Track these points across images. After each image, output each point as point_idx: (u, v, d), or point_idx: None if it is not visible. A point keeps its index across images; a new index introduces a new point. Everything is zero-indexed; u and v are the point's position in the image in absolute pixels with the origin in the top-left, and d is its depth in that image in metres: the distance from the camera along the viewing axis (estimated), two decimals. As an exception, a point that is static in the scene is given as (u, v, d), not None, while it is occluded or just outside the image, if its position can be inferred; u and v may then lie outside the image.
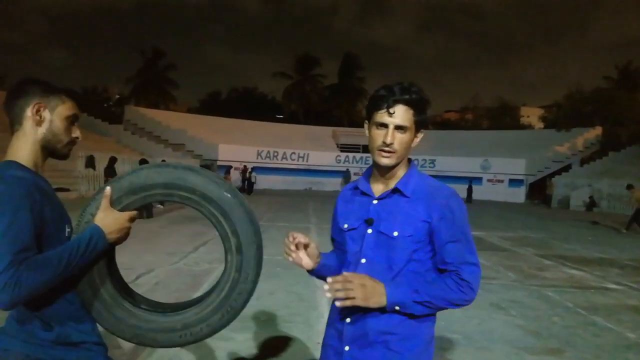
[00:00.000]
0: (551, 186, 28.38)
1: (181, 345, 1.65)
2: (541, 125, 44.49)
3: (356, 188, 1.66)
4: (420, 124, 1.51)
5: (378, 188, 1.59)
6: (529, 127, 49.14)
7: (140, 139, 31.50)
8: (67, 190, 17.14)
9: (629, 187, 15.11)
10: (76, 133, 1.54)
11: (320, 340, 4.16)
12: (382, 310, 1.45)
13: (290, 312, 4.97)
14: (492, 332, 4.56)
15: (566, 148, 33.75)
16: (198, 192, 1.53)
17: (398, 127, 1.47)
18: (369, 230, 1.54)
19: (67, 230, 1.50)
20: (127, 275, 5.94)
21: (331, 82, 50.42)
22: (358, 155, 35.55)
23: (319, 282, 5.79)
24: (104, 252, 1.48)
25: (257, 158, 33.14)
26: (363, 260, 1.54)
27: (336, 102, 50.00)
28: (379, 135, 1.50)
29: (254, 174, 29.11)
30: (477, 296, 1.50)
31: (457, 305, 1.48)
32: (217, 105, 51.95)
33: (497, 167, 31.96)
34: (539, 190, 31.10)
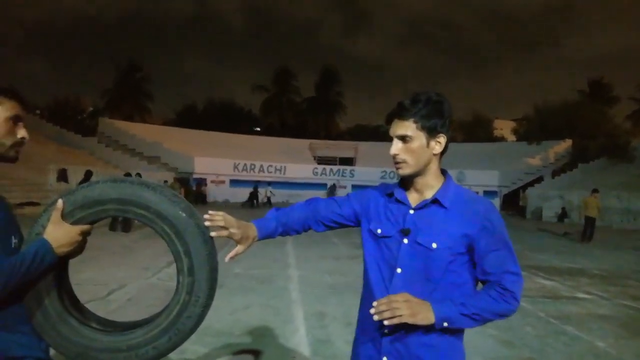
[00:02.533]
0: (524, 198, 28.97)
1: None
2: (513, 137, 45.39)
3: (390, 194, 1.64)
4: (431, 130, 1.49)
5: (413, 197, 1.58)
6: (502, 139, 50.09)
7: (114, 152, 31.05)
8: (38, 204, 16.74)
9: (594, 191, 15.47)
10: (21, 133, 1.47)
11: (295, 355, 4.14)
12: (427, 327, 1.44)
13: (266, 327, 4.94)
14: (466, 343, 4.59)
15: (538, 160, 34.54)
16: (152, 209, 1.49)
17: (400, 137, 1.50)
18: (405, 240, 1.52)
19: (14, 241, 1.46)
20: (98, 291, 5.87)
21: (309, 95, 50.69)
22: (335, 168, 35.71)
23: (294, 296, 5.79)
24: (52, 265, 1.44)
25: (234, 170, 32.97)
26: (399, 270, 1.52)
27: (313, 115, 50.25)
28: (391, 148, 1.55)
29: (269, 188, 28.90)
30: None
31: (503, 316, 1.48)
32: (193, 117, 51.53)
33: (471, 179, 32.44)
34: (512, 202, 31.68)
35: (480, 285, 1.57)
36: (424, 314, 1.39)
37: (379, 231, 1.59)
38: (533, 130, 37.37)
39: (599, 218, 15.69)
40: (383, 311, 1.37)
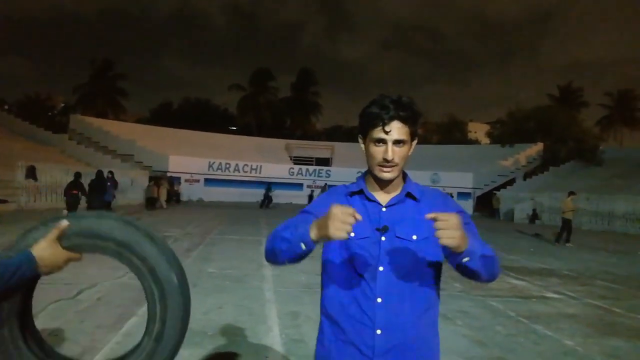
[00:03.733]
0: (497, 200, 29.51)
1: None
2: (487, 140, 46.18)
3: (355, 193, 1.60)
4: (414, 134, 1.54)
5: (380, 197, 1.58)
6: (476, 142, 50.90)
7: (86, 149, 30.44)
8: (5, 201, 16.29)
9: (571, 193, 15.76)
10: None
11: (269, 354, 4.10)
12: (416, 312, 1.49)
13: (239, 327, 4.89)
14: (440, 342, 4.64)
15: (510, 163, 35.20)
16: (148, 263, 1.47)
17: (396, 142, 1.48)
18: (383, 238, 1.51)
19: None
20: (67, 291, 5.73)
21: (285, 96, 50.62)
22: (311, 168, 35.71)
23: (268, 295, 5.75)
24: (28, 281, 1.38)
25: (209, 170, 32.68)
26: (381, 268, 1.49)
27: (290, 115, 50.20)
28: (377, 151, 1.50)
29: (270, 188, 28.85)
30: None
31: (493, 278, 1.49)
32: (168, 116, 50.94)
33: (446, 181, 32.86)
34: (485, 203, 32.22)
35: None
36: (465, 241, 1.33)
37: (352, 234, 1.41)
38: (506, 134, 38.12)
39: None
40: (442, 228, 1.28)
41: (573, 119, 36.71)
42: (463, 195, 32.45)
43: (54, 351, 1.65)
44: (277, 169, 34.85)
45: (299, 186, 33.94)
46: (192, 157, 32.41)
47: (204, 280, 7.00)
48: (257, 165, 34.21)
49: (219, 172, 33.00)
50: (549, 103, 43.14)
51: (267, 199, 27.68)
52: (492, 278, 1.49)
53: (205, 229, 14.19)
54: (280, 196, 31.93)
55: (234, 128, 50.47)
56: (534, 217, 25.71)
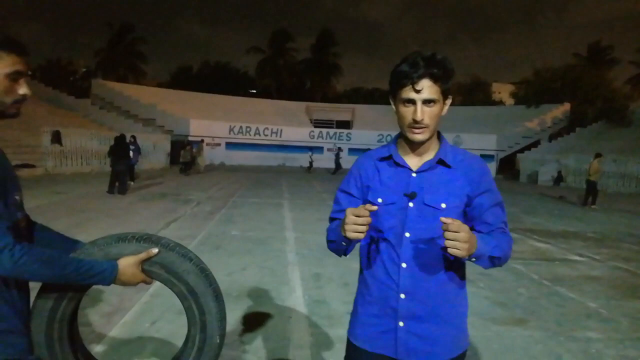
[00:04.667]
0: (518, 162, 29.17)
1: None
2: (512, 101, 45.11)
3: (386, 158, 1.59)
4: (446, 93, 1.48)
5: (412, 161, 1.56)
6: (500, 103, 49.80)
7: (108, 114, 30.69)
8: (33, 166, 16.68)
9: (597, 155, 15.37)
10: (23, 90, 1.36)
11: (292, 315, 4.18)
12: (442, 274, 1.51)
13: (262, 288, 4.99)
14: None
15: (535, 124, 34.41)
16: (204, 318, 1.54)
17: (426, 101, 1.44)
18: (411, 204, 1.50)
19: (17, 198, 1.40)
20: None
21: (305, 57, 49.91)
22: (332, 131, 35.48)
23: (291, 257, 5.81)
24: (96, 284, 1.41)
25: (230, 133, 32.76)
26: (407, 234, 1.49)
27: (310, 77, 49.59)
28: (407, 112, 1.46)
29: (310, 153, 28.88)
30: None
31: (506, 260, 1.51)
32: (188, 79, 50.86)
33: (468, 143, 32.36)
34: (508, 166, 31.77)
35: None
36: (473, 248, 1.36)
37: (379, 200, 1.54)
38: (532, 94, 37.07)
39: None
40: (450, 239, 1.31)
41: (601, 79, 35.47)
42: (486, 157, 31.96)
43: (91, 355, 1.72)
44: (298, 132, 34.73)
45: (320, 149, 33.85)
46: (213, 121, 32.49)
47: (227, 242, 7.12)
48: (277, 129, 34.14)
49: (240, 135, 33.06)
50: (576, 62, 41.62)
51: (337, 166, 27.05)
52: (501, 265, 1.53)
53: (227, 192, 14.35)
54: (301, 160, 31.97)
55: (254, 91, 50.24)
56: (558, 179, 25.27)
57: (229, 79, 51.48)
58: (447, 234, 1.31)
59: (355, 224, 1.36)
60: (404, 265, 1.49)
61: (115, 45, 44.65)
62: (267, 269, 5.75)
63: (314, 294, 4.86)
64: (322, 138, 34.66)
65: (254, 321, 4.05)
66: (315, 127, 36.71)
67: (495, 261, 1.46)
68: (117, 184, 12.41)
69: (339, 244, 1.52)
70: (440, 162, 1.53)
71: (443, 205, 1.48)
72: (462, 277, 1.59)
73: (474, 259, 1.40)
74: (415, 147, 1.54)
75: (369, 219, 1.36)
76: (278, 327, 3.96)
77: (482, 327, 4.13)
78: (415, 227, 1.49)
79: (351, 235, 1.37)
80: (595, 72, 35.93)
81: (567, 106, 35.23)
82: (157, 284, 1.69)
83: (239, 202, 12.22)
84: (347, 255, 1.61)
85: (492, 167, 32.03)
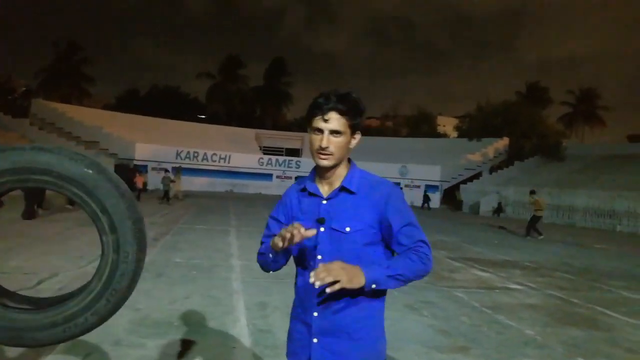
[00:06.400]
0: (459, 193, 30.31)
1: (68, 339, 1.53)
2: (455, 134, 46.91)
3: (303, 189, 1.74)
4: (355, 127, 1.63)
5: (324, 189, 1.70)
6: (444, 135, 51.65)
7: (49, 135, 29.53)
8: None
9: (532, 192, 16.28)
10: None
11: (236, 345, 4.09)
12: (356, 299, 1.59)
13: (206, 317, 4.84)
14: (405, 332, 4.72)
15: (477, 156, 35.90)
16: (54, 172, 1.39)
17: (333, 132, 1.58)
18: (322, 229, 1.64)
19: None
20: (27, 280, 5.57)
21: (256, 85, 50.13)
22: (281, 159, 35.55)
23: (236, 286, 5.70)
24: None
25: (177, 158, 32.13)
26: (319, 257, 1.64)
27: (260, 104, 49.74)
28: (316, 139, 1.61)
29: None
30: (391, 299, 1.57)
31: (421, 276, 1.60)
32: (135, 102, 49.74)
33: (414, 173, 33.31)
34: (452, 196, 32.83)
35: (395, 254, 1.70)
36: (358, 278, 1.47)
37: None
38: (474, 128, 38.78)
39: (530, 213, 16.51)
40: (323, 278, 1.42)
41: (537, 116, 37.66)
42: (431, 187, 32.94)
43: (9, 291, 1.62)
44: (247, 159, 34.56)
45: (269, 176, 33.78)
46: (160, 145, 31.82)
47: (170, 270, 6.90)
48: (226, 155, 33.84)
49: (187, 160, 32.49)
50: (516, 99, 44.04)
51: (425, 201, 28.72)
52: (419, 278, 1.63)
53: (172, 218, 13.98)
54: (250, 186, 31.71)
55: (203, 117, 49.74)
56: (499, 210, 26.33)
57: (178, 104, 50.78)
58: (317, 280, 1.41)
59: (286, 231, 1.49)
60: (316, 285, 1.53)
61: (60, 64, 43.22)
62: (211, 298, 5.60)
63: (259, 323, 4.77)
64: (272, 165, 34.65)
65: (196, 351, 3.91)
66: (265, 154, 36.70)
67: (400, 278, 1.54)
68: (32, 206, 11.68)
69: (266, 256, 1.68)
70: (343, 189, 1.66)
71: (347, 229, 1.61)
72: (375, 297, 1.65)
73: (373, 285, 1.51)
74: (324, 173, 1.69)
75: (300, 231, 1.48)
76: (222, 357, 3.85)
77: (426, 355, 4.18)
78: (325, 250, 1.63)
79: (281, 233, 1.51)
80: (532, 110, 38.11)
81: (506, 140, 37.06)
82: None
83: (184, 228, 11.93)
84: (271, 272, 1.79)
85: (437, 197, 32.98)
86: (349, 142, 1.63)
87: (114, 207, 1.46)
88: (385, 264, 1.56)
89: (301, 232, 1.47)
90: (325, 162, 1.62)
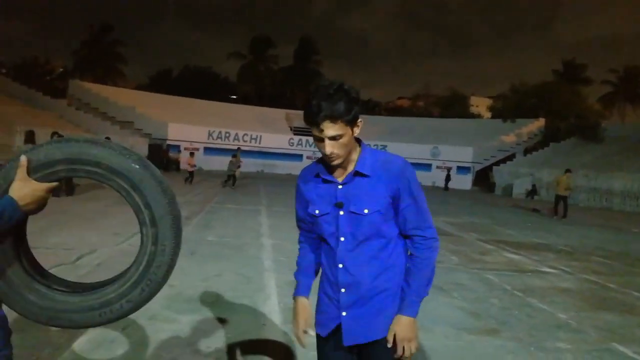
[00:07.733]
0: (492, 175, 29.72)
1: (103, 323, 1.60)
2: (489, 115, 45.88)
3: (317, 175, 1.78)
4: (353, 120, 1.63)
5: (339, 173, 1.75)
6: (478, 116, 50.57)
7: (85, 115, 30.26)
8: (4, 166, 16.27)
9: (567, 171, 15.91)
10: None
11: (266, 322, 4.17)
12: (373, 274, 1.73)
13: (237, 294, 4.95)
14: (435, 313, 4.71)
15: (511, 138, 35.08)
16: (103, 164, 1.46)
17: (332, 137, 1.60)
18: (341, 212, 1.72)
19: None
20: (67, 256, 5.77)
21: (287, 64, 50.02)
22: (311, 139, 35.50)
23: (267, 264, 5.79)
24: (19, 222, 1.37)
25: (208, 138, 32.56)
26: (342, 239, 1.73)
27: (291, 84, 49.70)
28: (320, 146, 1.65)
29: None
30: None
31: (434, 264, 1.77)
32: (168, 83, 50.37)
33: (446, 155, 32.82)
34: (484, 178, 32.28)
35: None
36: (412, 327, 1.71)
37: (317, 212, 1.78)
38: (508, 108, 37.85)
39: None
40: (410, 355, 1.69)
41: (575, 95, 36.42)
42: (462, 169, 32.46)
43: (51, 274, 1.70)
44: (277, 139, 34.72)
45: (299, 157, 33.87)
46: (192, 125, 32.25)
47: (203, 248, 7.06)
48: (257, 135, 34.07)
49: (219, 141, 32.88)
50: (553, 79, 42.64)
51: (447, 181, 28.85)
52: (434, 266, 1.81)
53: (205, 198, 14.23)
54: (280, 167, 31.90)
55: (234, 97, 50.05)
56: (532, 192, 25.77)
57: (210, 84, 51.18)
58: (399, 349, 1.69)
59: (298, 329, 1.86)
60: (340, 265, 1.73)
61: (93, 46, 44.07)
62: (242, 276, 5.71)
63: (289, 301, 4.84)
64: (302, 146, 34.71)
65: (227, 328, 4.01)
66: (295, 134, 36.74)
67: (426, 289, 1.75)
68: (62, 185, 11.96)
69: (298, 272, 1.97)
70: (356, 173, 1.71)
71: (365, 211, 1.69)
72: (397, 268, 1.76)
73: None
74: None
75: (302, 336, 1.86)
76: (252, 334, 3.94)
77: (455, 337, 4.17)
78: (347, 232, 1.72)
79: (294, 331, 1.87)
80: (569, 89, 36.87)
81: (541, 121, 36.05)
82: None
83: (216, 207, 12.14)
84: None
85: (468, 179, 32.49)
86: (352, 136, 1.65)
87: (156, 203, 1.52)
88: (413, 288, 1.71)
89: (299, 335, 1.85)
90: (335, 163, 1.67)
